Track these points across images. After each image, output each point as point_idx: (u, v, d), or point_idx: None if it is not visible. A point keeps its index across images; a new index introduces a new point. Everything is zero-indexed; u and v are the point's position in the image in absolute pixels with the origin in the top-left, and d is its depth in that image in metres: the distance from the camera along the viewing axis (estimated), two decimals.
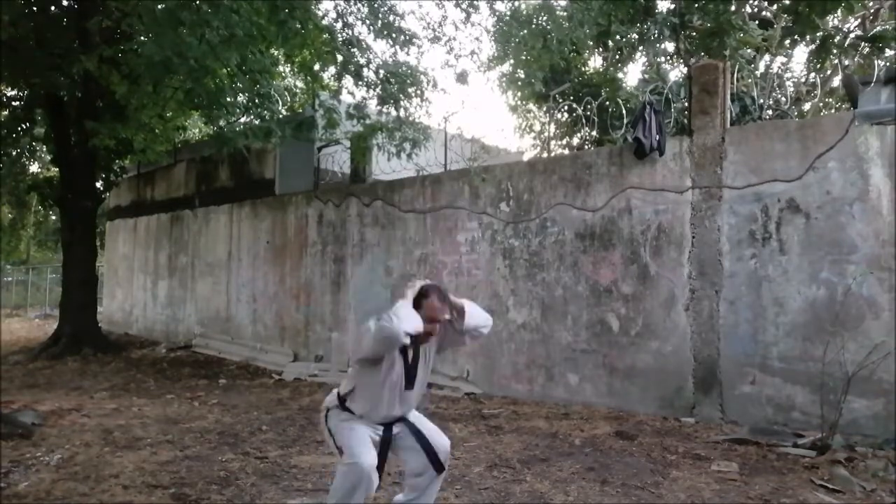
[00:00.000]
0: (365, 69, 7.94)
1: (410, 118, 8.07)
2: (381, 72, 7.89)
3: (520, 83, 12.00)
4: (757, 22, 9.95)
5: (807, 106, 10.25)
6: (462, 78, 8.36)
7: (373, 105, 8.15)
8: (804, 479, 4.12)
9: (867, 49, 10.32)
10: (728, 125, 5.92)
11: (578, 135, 13.05)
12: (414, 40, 8.10)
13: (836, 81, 11.12)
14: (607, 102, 9.48)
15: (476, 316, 2.98)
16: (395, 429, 3.00)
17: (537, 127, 15.04)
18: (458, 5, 8.35)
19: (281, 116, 9.10)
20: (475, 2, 8.31)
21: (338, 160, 9.57)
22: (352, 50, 7.85)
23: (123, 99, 8.51)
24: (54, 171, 14.65)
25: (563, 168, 6.91)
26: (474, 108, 24.32)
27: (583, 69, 13.02)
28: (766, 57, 10.84)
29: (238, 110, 8.35)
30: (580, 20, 7.88)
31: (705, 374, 5.73)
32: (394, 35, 7.99)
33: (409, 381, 2.94)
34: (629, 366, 6.19)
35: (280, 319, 9.91)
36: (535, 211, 7.02)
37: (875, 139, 5.06)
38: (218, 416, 6.10)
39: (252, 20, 6.37)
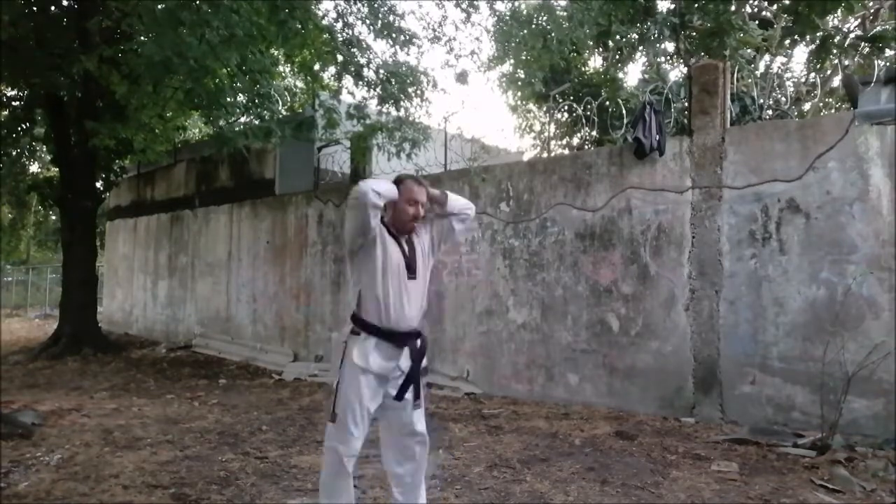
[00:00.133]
0: (365, 69, 7.94)
1: (410, 118, 8.07)
2: (381, 72, 7.89)
3: (520, 83, 12.02)
4: (757, 22, 9.95)
5: (807, 106, 10.25)
6: (462, 78, 8.37)
7: (373, 105, 8.15)
8: (804, 479, 4.12)
9: (867, 49, 10.32)
10: (728, 125, 5.92)
11: (578, 135, 13.06)
12: (414, 40, 8.10)
13: (836, 81, 11.12)
14: (607, 102, 9.48)
15: (457, 199, 3.02)
16: (403, 363, 2.83)
17: (537, 127, 15.05)
18: (458, 5, 8.36)
19: (281, 116, 9.09)
20: (475, 2, 8.32)
21: (338, 160, 9.57)
22: (352, 50, 7.85)
23: (123, 99, 8.51)
24: (54, 171, 14.65)
25: (563, 168, 6.91)
26: (474, 108, 24.37)
27: (583, 69, 13.03)
28: (766, 57, 10.84)
29: (238, 110, 8.35)
30: (580, 20, 7.88)
31: (705, 374, 5.73)
32: (394, 35, 7.99)
33: (411, 268, 2.86)
34: (629, 366, 6.19)
35: (280, 319, 9.91)
36: (535, 211, 7.02)
37: (875, 139, 5.06)
38: (218, 416, 6.10)
39: (252, 20, 6.37)
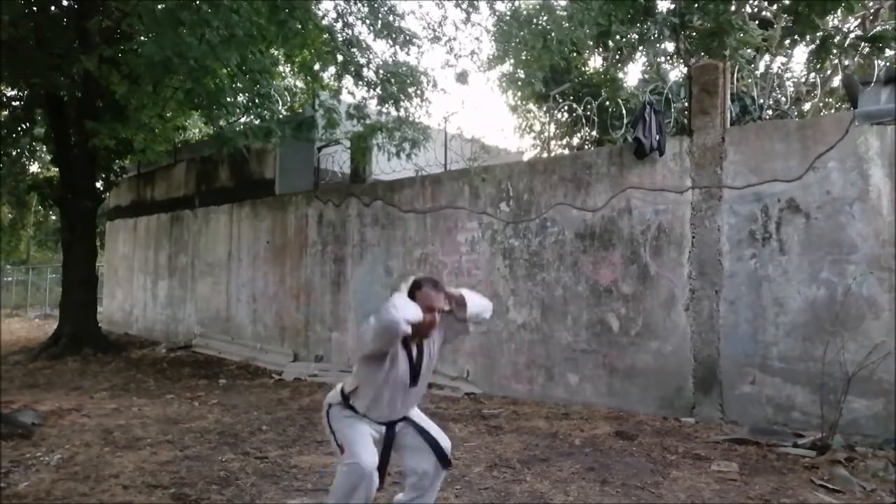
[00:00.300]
0: (365, 69, 7.94)
1: (410, 118, 8.07)
2: (381, 72, 7.89)
3: (520, 83, 12.01)
4: (757, 22, 9.95)
5: (807, 106, 10.25)
6: (462, 78, 8.37)
7: (373, 105, 8.15)
8: (804, 479, 4.12)
9: (867, 49, 10.32)
10: (728, 125, 5.92)
11: (578, 135, 13.06)
12: (414, 40, 8.10)
13: (836, 81, 11.12)
14: (607, 102, 9.48)
15: (476, 303, 2.94)
16: (398, 427, 2.99)
17: (537, 127, 15.05)
18: (458, 5, 8.35)
19: (281, 116, 9.10)
20: (475, 2, 8.32)
21: (338, 160, 9.57)
22: (352, 50, 7.85)
23: (123, 99, 8.51)
24: (54, 171, 14.65)
25: (563, 168, 6.91)
26: (474, 108, 24.35)
27: (583, 69, 13.03)
28: (766, 57, 10.84)
29: (238, 110, 8.35)
30: (580, 20, 7.88)
31: (705, 374, 5.73)
32: (394, 35, 7.99)
33: (414, 378, 2.91)
34: (629, 366, 6.19)
35: (280, 319, 9.91)
36: (535, 211, 7.02)
37: (875, 139, 5.06)
38: (218, 416, 6.10)
39: (252, 20, 6.37)
